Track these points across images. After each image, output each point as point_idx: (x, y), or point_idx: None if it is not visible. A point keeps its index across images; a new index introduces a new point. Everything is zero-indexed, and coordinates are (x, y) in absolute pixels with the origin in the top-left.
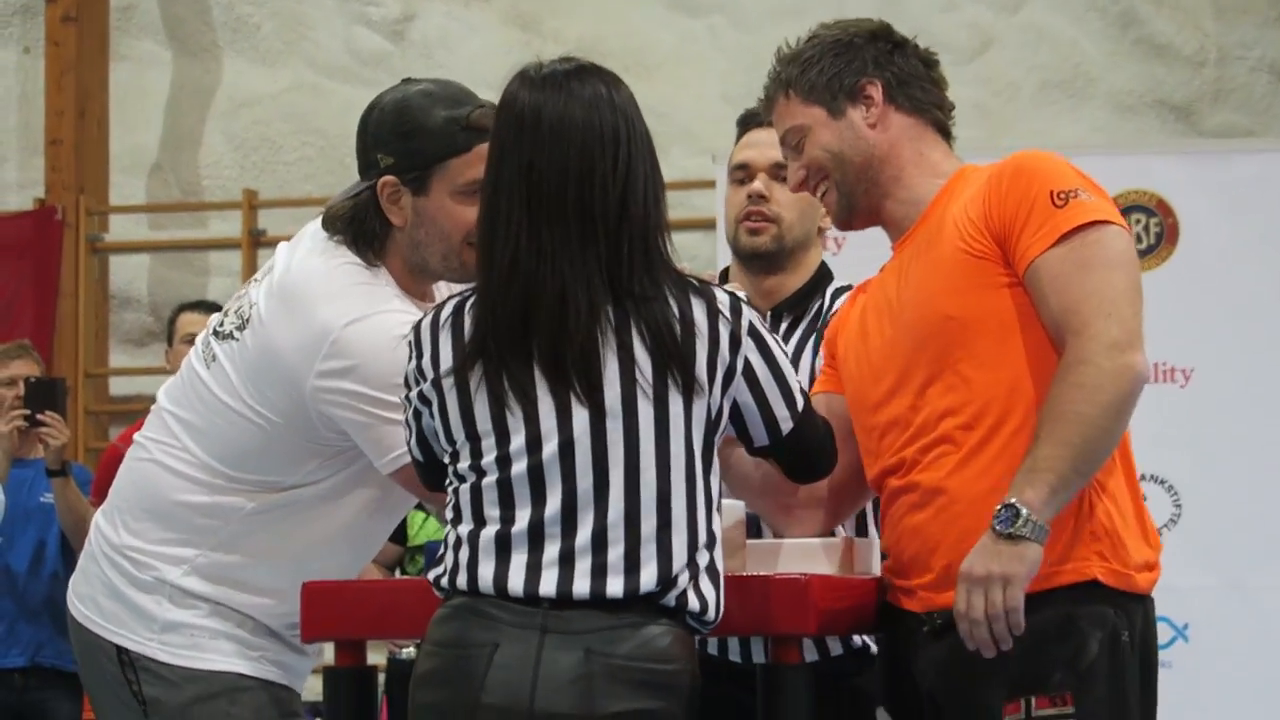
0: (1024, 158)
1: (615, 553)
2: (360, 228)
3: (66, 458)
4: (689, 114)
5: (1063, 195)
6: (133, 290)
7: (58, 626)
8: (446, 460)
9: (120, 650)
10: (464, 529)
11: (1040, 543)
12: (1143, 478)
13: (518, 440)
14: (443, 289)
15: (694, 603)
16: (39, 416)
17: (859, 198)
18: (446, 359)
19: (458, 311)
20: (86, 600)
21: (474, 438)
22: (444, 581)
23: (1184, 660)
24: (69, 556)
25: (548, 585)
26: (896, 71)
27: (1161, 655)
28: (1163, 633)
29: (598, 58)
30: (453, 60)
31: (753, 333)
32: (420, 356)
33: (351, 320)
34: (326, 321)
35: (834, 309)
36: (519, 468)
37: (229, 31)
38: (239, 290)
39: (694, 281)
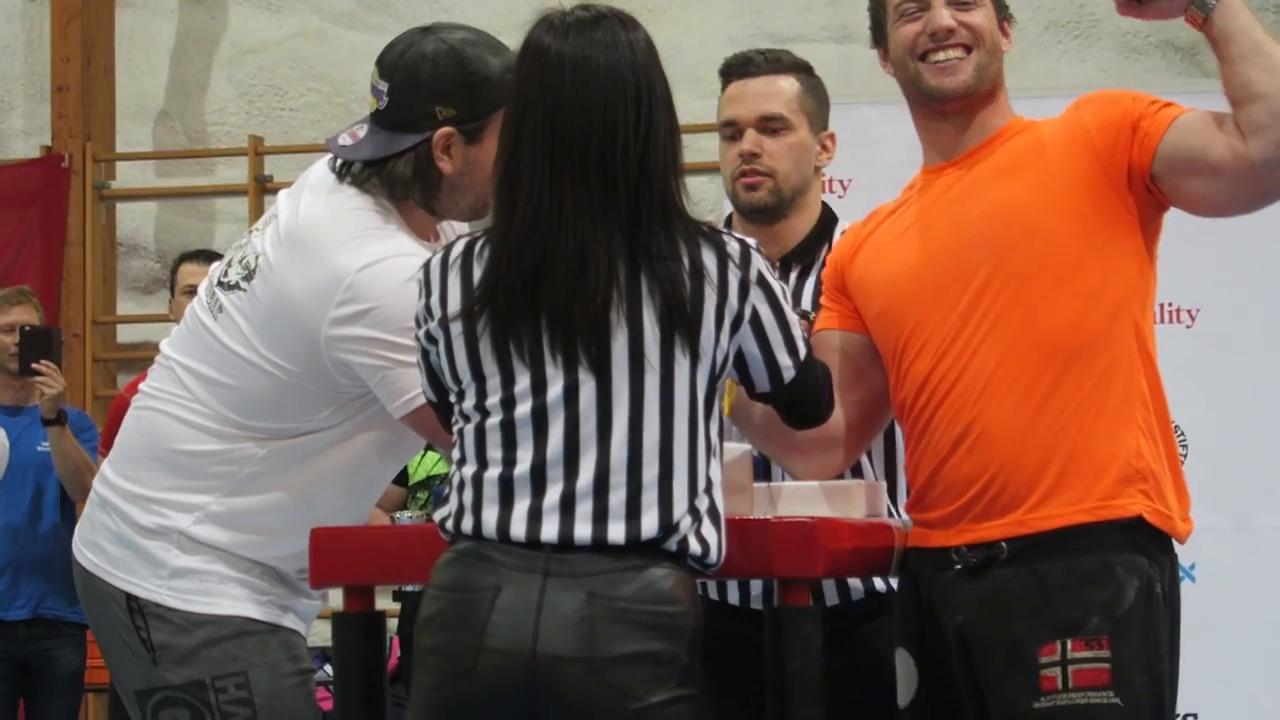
0: (1100, 92)
1: (617, 498)
2: (425, 181)
3: (72, 405)
4: (694, 57)
5: (1157, 102)
6: (139, 237)
7: (59, 578)
8: (452, 400)
9: (129, 597)
10: (468, 470)
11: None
12: None
13: (523, 382)
14: (446, 229)
15: (695, 547)
16: (34, 365)
17: (983, 86)
18: (455, 301)
19: (467, 253)
20: (94, 547)
21: (479, 378)
22: (449, 525)
23: (1191, 601)
24: (68, 506)
25: (549, 530)
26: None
27: None
28: None
29: (599, 1)
30: (457, 4)
31: (760, 281)
32: (429, 295)
33: (366, 264)
34: (341, 266)
35: None
36: (523, 409)
37: None
38: (240, 240)
39: (706, 229)
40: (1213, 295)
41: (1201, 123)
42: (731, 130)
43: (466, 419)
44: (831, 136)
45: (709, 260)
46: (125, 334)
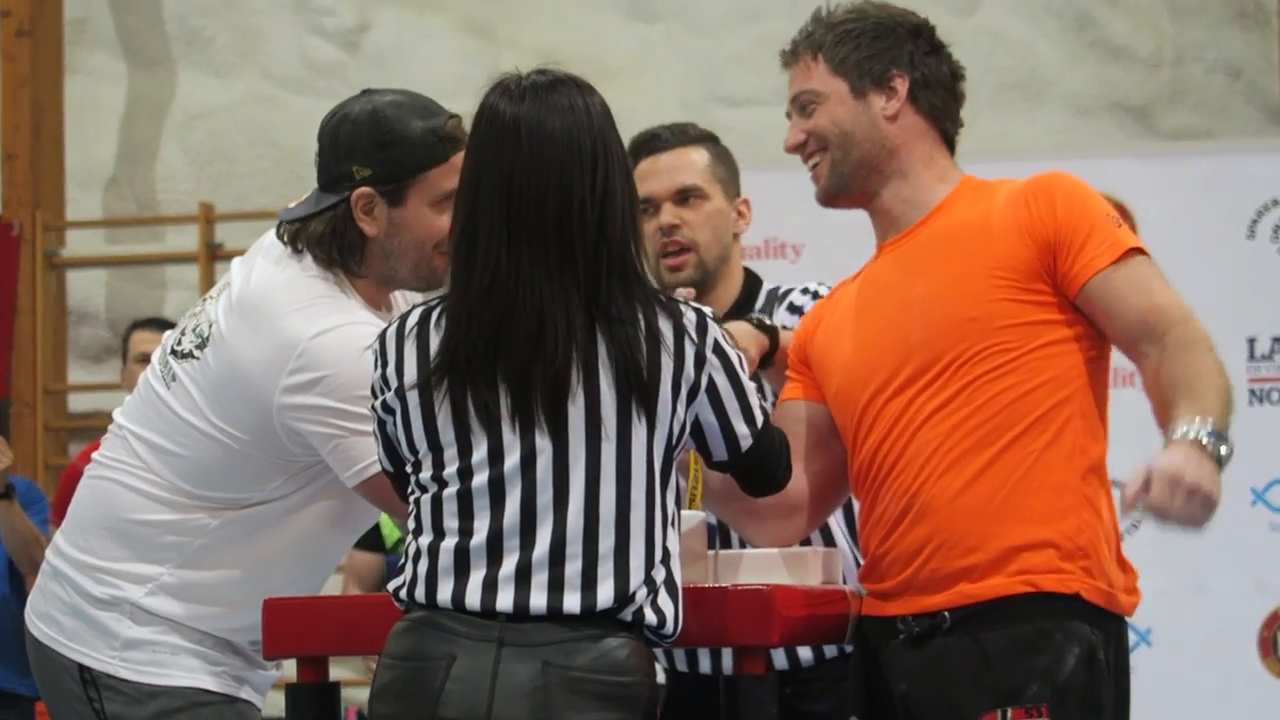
0: (1065, 177)
1: (572, 568)
2: (341, 241)
3: (23, 474)
4: (646, 120)
5: (1116, 220)
6: (90, 305)
7: (8, 650)
8: (409, 470)
9: (82, 668)
10: (424, 540)
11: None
12: None
13: (480, 452)
14: (398, 300)
15: (651, 618)
16: None
17: (855, 180)
18: (411, 370)
19: (423, 322)
20: (46, 619)
21: (436, 449)
22: (403, 594)
23: (1148, 664)
24: (17, 578)
25: (504, 600)
26: (926, 73)
27: None
28: None
29: (554, 64)
30: (408, 69)
31: (717, 350)
32: (385, 365)
33: (319, 332)
34: (292, 334)
35: (774, 310)
36: (479, 480)
37: (183, 44)
38: (193, 307)
39: (663, 299)
40: None
41: (1126, 291)
42: (647, 206)
43: (423, 489)
44: (746, 203)
45: (665, 328)
46: (76, 403)
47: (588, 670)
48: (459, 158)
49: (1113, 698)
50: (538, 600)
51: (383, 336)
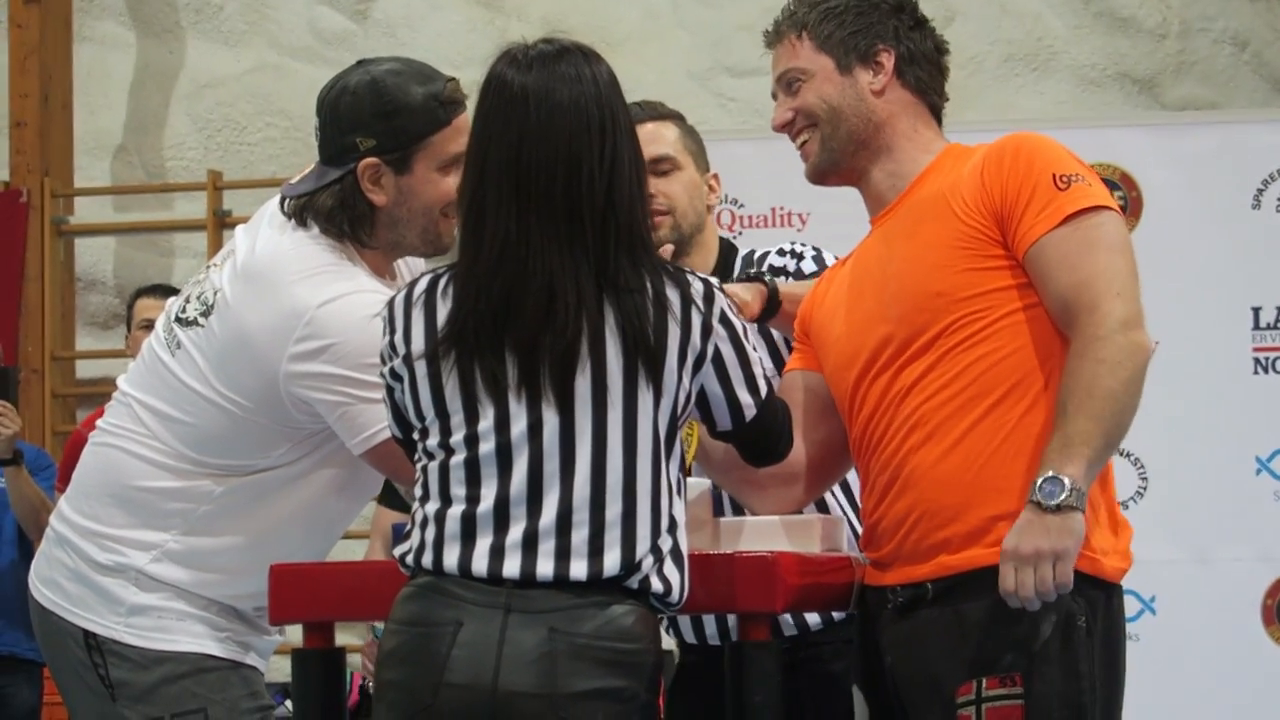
0: (1023, 139)
1: (579, 536)
2: (351, 214)
3: (30, 440)
4: (653, 90)
5: (1065, 179)
6: (98, 273)
7: (16, 614)
8: (416, 437)
9: (87, 634)
10: (431, 507)
11: (1083, 511)
12: None
13: (486, 420)
14: (402, 268)
15: (657, 585)
16: None
17: (844, 156)
18: (419, 338)
19: (431, 290)
20: (50, 584)
21: (443, 415)
22: (409, 560)
23: (1151, 633)
24: (25, 543)
25: (511, 567)
26: (911, 48)
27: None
28: (1130, 606)
29: (562, 34)
30: (416, 39)
31: (723, 320)
32: (393, 332)
33: (325, 300)
34: (299, 301)
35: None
36: (486, 447)
37: (192, 13)
38: (197, 274)
39: (670, 268)
40: (1170, 328)
41: (1053, 265)
42: None
43: (430, 456)
44: (716, 177)
45: (673, 297)
46: (84, 369)
47: (594, 637)
48: (462, 119)
49: (1096, 665)
50: (544, 567)
51: (391, 303)
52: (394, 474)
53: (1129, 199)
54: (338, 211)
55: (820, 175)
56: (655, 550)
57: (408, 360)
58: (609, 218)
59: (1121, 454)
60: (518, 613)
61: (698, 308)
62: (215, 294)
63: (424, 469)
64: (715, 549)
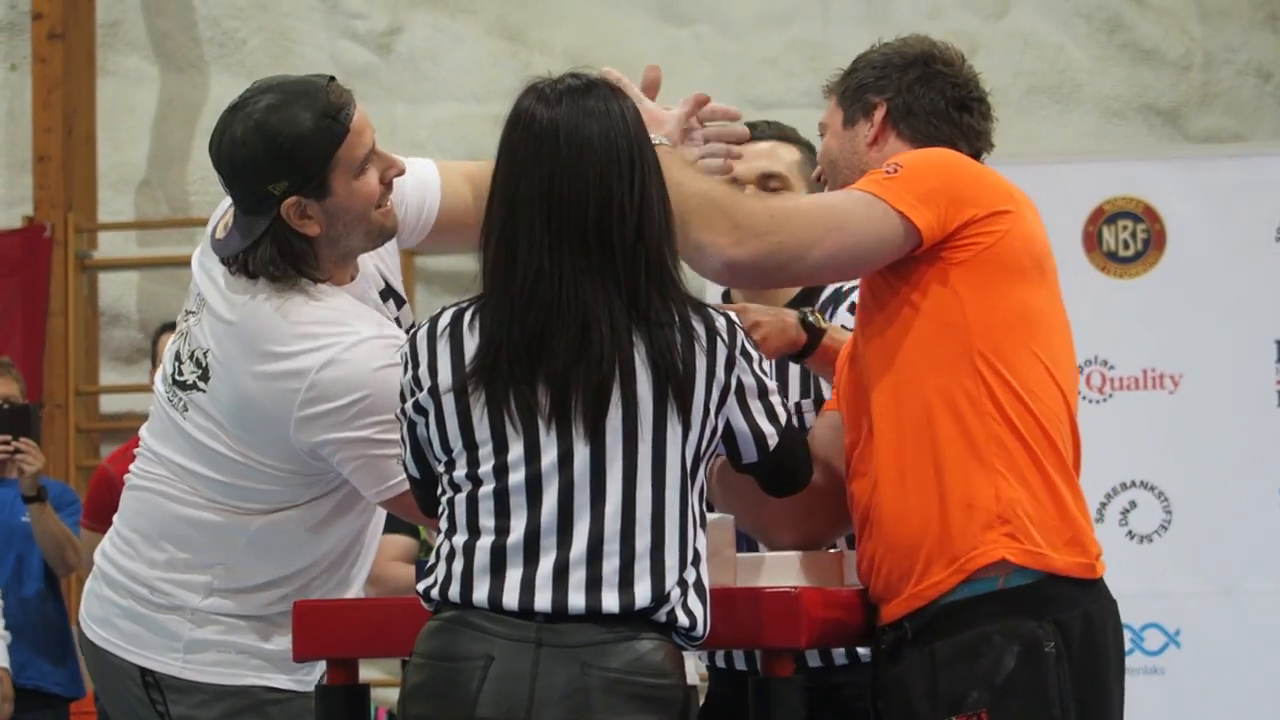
0: None
1: (610, 566)
2: (291, 255)
3: (54, 475)
4: None
5: (882, 171)
6: (122, 307)
7: (40, 647)
8: (441, 470)
9: (143, 671)
10: (459, 540)
11: None
12: (1133, 484)
13: (516, 450)
14: (363, 263)
15: (683, 619)
16: (13, 444)
17: None
18: (445, 370)
19: (455, 323)
20: (104, 623)
21: (471, 446)
22: (434, 593)
23: (1176, 666)
24: (51, 577)
25: (543, 600)
26: (910, 100)
27: (1153, 661)
28: (1154, 639)
29: (584, 67)
30: (439, 72)
31: (744, 353)
32: (416, 367)
33: (324, 363)
34: (297, 366)
35: (836, 309)
36: (516, 477)
37: (215, 47)
38: (179, 325)
39: (694, 302)
40: (1195, 361)
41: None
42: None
43: (457, 488)
44: None
45: (700, 330)
46: (108, 404)
47: (625, 672)
48: (357, 118)
49: (1071, 688)
50: (576, 600)
51: (413, 339)
52: (414, 519)
53: (1152, 232)
54: (279, 260)
55: None
56: (681, 582)
57: (434, 393)
58: (639, 251)
59: (1145, 486)
60: (549, 647)
61: (722, 340)
62: (205, 354)
63: (450, 501)
64: (738, 583)
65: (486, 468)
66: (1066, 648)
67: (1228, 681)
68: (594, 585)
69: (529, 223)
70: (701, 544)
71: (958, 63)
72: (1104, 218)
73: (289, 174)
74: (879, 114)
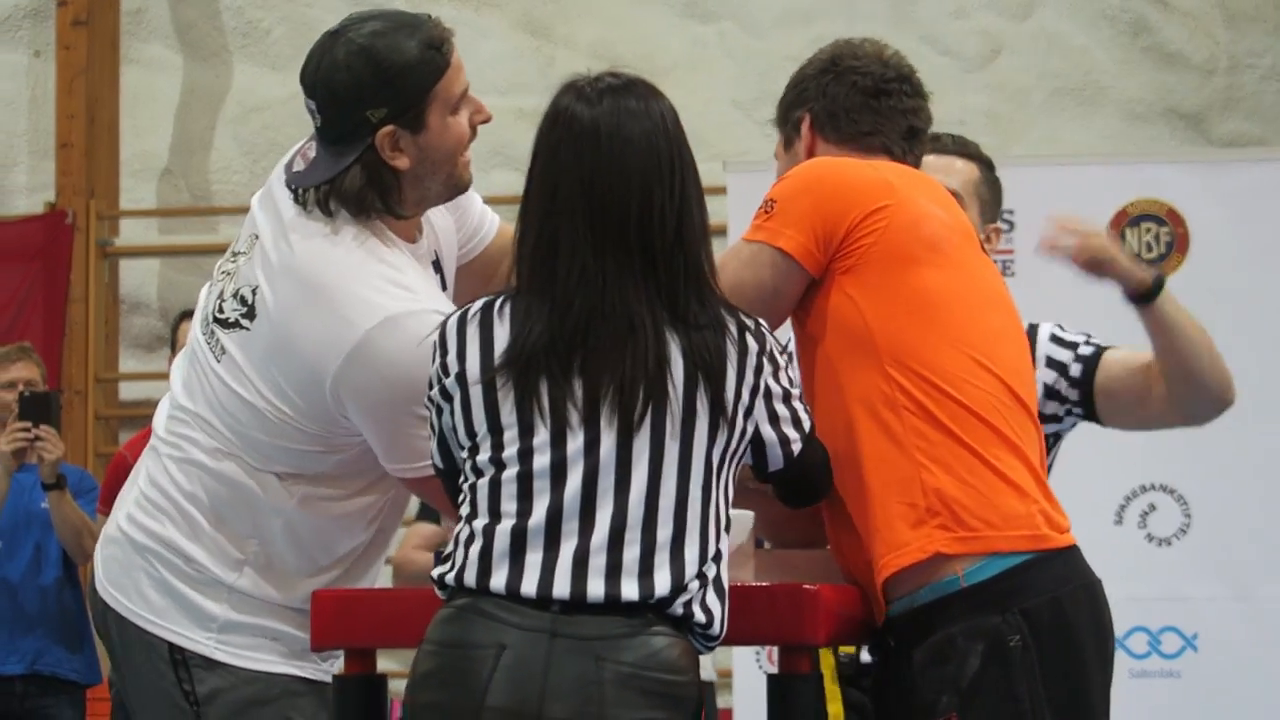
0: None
1: (631, 554)
2: (380, 187)
3: (73, 462)
4: (699, 120)
5: (768, 203)
6: (143, 294)
7: (58, 633)
8: (465, 456)
9: (172, 648)
10: (479, 523)
11: None
12: (1152, 487)
13: (541, 435)
14: (426, 223)
15: (700, 615)
16: (33, 431)
17: None
18: (474, 358)
19: (487, 310)
20: (128, 591)
21: (496, 430)
22: (449, 578)
23: (1193, 670)
24: (69, 564)
25: (561, 587)
26: (828, 103)
27: (1170, 665)
28: (1171, 642)
29: (608, 63)
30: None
31: (771, 358)
32: (445, 354)
33: (379, 322)
34: (351, 317)
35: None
36: (541, 461)
37: (239, 36)
38: (223, 264)
39: (728, 305)
40: None
41: None
42: None
43: (479, 473)
44: (997, 231)
45: (735, 333)
46: (127, 391)
47: (640, 667)
48: (456, 56)
49: (1041, 680)
50: (595, 588)
51: (444, 327)
52: (440, 506)
53: (1175, 235)
54: (367, 190)
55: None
56: (701, 577)
57: (461, 379)
58: (677, 253)
59: (1164, 490)
60: (563, 638)
61: (753, 343)
62: (254, 292)
63: (471, 487)
64: (756, 581)
65: (511, 451)
66: (1035, 637)
67: (1245, 685)
68: (614, 573)
69: (570, 222)
70: (724, 544)
71: (868, 53)
72: (1127, 220)
73: (390, 100)
74: (805, 125)
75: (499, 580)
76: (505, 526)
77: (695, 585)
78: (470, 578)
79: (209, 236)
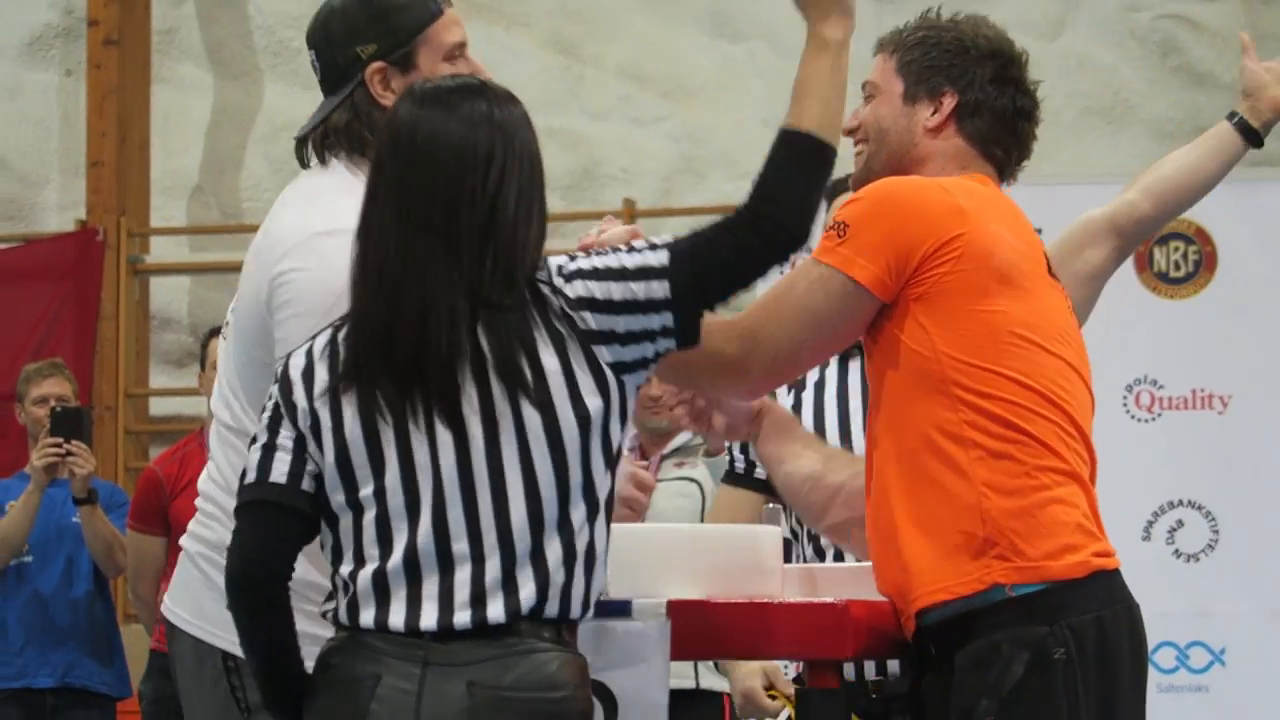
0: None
1: (492, 577)
2: (368, 123)
3: (104, 477)
4: (728, 138)
5: (837, 231)
6: (173, 311)
7: (88, 647)
8: (313, 492)
9: (225, 655)
10: (345, 569)
11: None
12: (1180, 503)
13: (391, 472)
14: None
15: (576, 609)
16: (65, 446)
17: (876, 175)
18: (321, 385)
19: (333, 340)
20: (188, 604)
21: (348, 471)
22: (329, 618)
23: (1221, 685)
24: (100, 578)
25: (428, 619)
26: (980, 99)
27: (1198, 679)
28: (1199, 657)
29: (638, 82)
30: (497, 78)
31: (578, 275)
32: (290, 391)
33: (328, 230)
34: (297, 223)
35: None
36: (394, 502)
37: (270, 55)
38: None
39: (545, 277)
40: (1244, 382)
41: None
42: None
43: (339, 516)
44: None
45: (547, 305)
46: (158, 407)
47: (514, 688)
48: (452, 12)
49: (1084, 694)
50: (461, 616)
51: (288, 362)
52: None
53: (1204, 254)
54: (354, 125)
55: (859, 186)
56: (569, 573)
57: (313, 417)
58: (489, 241)
59: (1193, 506)
60: (436, 665)
61: (562, 297)
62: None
63: (335, 530)
64: (783, 596)
65: (366, 491)
66: (1079, 652)
67: (1273, 700)
68: (478, 599)
69: (382, 216)
70: (583, 517)
71: (1022, 66)
72: (1155, 239)
73: (379, 37)
74: (948, 104)
75: (368, 619)
76: (369, 570)
77: (561, 579)
78: (343, 618)
79: (239, 254)
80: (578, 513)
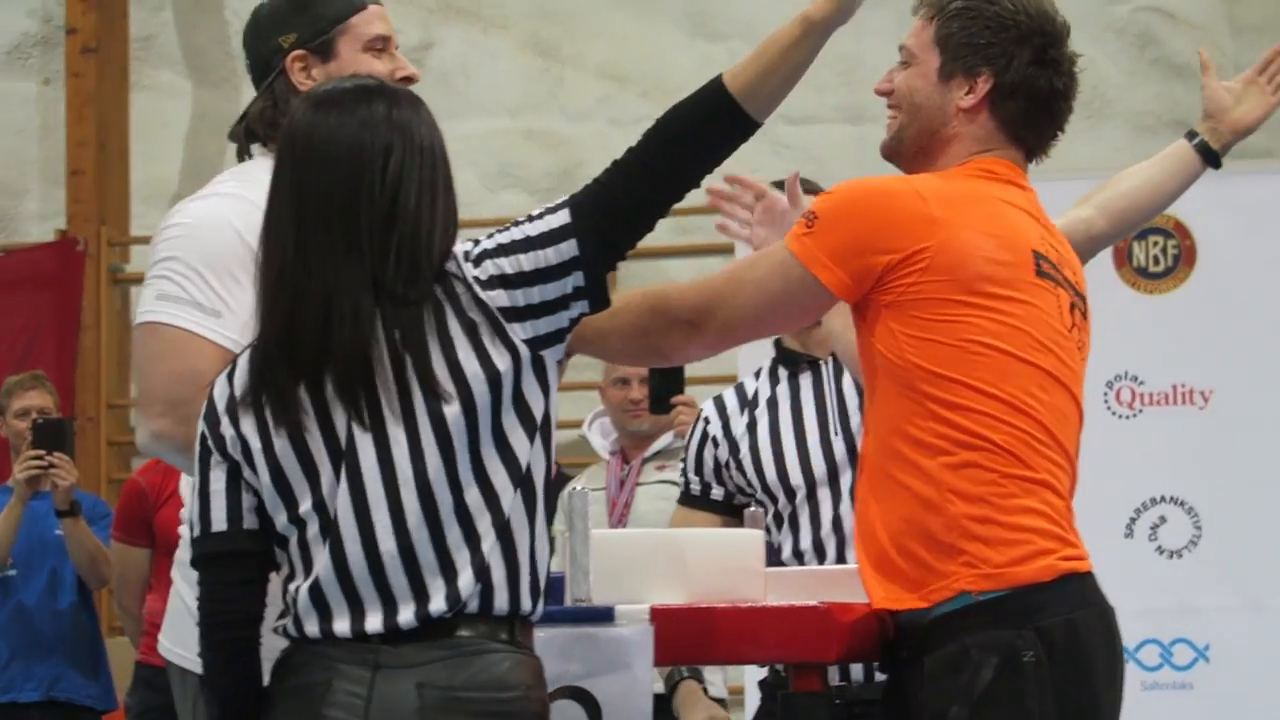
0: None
1: (430, 573)
2: (287, 107)
3: (86, 489)
4: None
5: (806, 221)
6: None
7: (73, 660)
8: (273, 515)
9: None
10: (293, 585)
11: None
12: (1162, 500)
13: (326, 481)
14: None
15: (526, 603)
16: (47, 458)
17: (905, 150)
18: (245, 406)
19: (250, 358)
20: (181, 640)
21: (285, 489)
22: (279, 631)
23: (1205, 681)
24: (84, 589)
25: (373, 622)
26: (1017, 81)
27: (1182, 676)
28: (1183, 654)
29: (617, 83)
30: (471, 86)
31: (486, 256)
32: (218, 422)
33: (198, 196)
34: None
35: None
36: (325, 517)
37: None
38: None
39: (453, 266)
40: (1225, 377)
41: None
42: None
43: (286, 536)
44: None
45: (457, 293)
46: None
47: (465, 688)
48: (380, 9)
49: (1053, 697)
50: (405, 615)
51: (213, 389)
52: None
53: (1183, 248)
54: (270, 112)
55: (887, 153)
56: (511, 564)
57: (240, 438)
58: (391, 234)
59: (1175, 502)
60: (386, 668)
61: (473, 294)
62: None
63: (286, 550)
64: (766, 600)
65: (305, 506)
66: (1049, 655)
67: (1257, 697)
68: (420, 596)
69: (279, 219)
70: (516, 503)
71: (1067, 40)
72: (1134, 233)
73: (301, 26)
74: (982, 87)
75: (313, 629)
76: (309, 583)
77: (499, 564)
78: (293, 631)
79: None
80: (505, 496)
